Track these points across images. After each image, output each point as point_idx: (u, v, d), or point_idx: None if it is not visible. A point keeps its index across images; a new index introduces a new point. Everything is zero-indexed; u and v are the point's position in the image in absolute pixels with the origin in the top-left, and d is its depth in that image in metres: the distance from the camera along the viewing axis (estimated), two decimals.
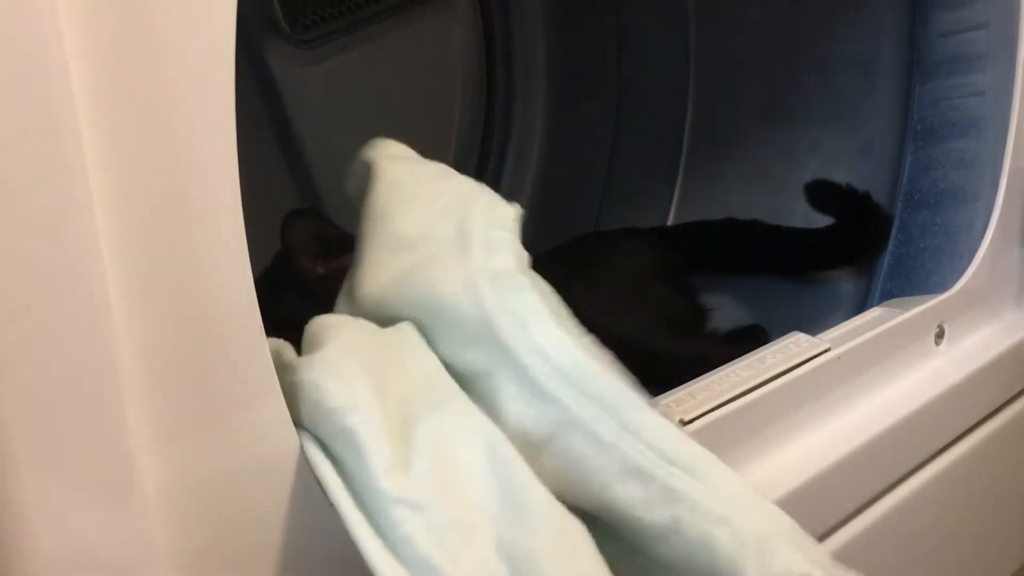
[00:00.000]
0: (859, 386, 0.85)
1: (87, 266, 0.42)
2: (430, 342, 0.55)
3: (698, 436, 0.70)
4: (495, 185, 1.43)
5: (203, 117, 0.46)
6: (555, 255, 1.14)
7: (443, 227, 0.59)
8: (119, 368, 0.43)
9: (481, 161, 1.41)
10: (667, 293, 1.11)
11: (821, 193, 1.14)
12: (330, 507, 0.47)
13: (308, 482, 0.49)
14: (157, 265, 0.45)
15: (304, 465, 0.49)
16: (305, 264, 0.73)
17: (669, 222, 1.36)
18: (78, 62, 0.41)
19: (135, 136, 0.43)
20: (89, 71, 0.42)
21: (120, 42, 0.43)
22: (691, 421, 0.71)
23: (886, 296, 1.09)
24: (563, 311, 0.58)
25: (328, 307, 0.65)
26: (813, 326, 0.87)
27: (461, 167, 1.38)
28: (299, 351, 0.55)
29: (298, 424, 0.49)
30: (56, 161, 0.41)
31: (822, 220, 1.17)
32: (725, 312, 1.15)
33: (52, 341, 0.41)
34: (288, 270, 0.75)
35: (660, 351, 0.96)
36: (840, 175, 1.19)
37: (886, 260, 1.12)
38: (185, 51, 0.45)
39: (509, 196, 1.39)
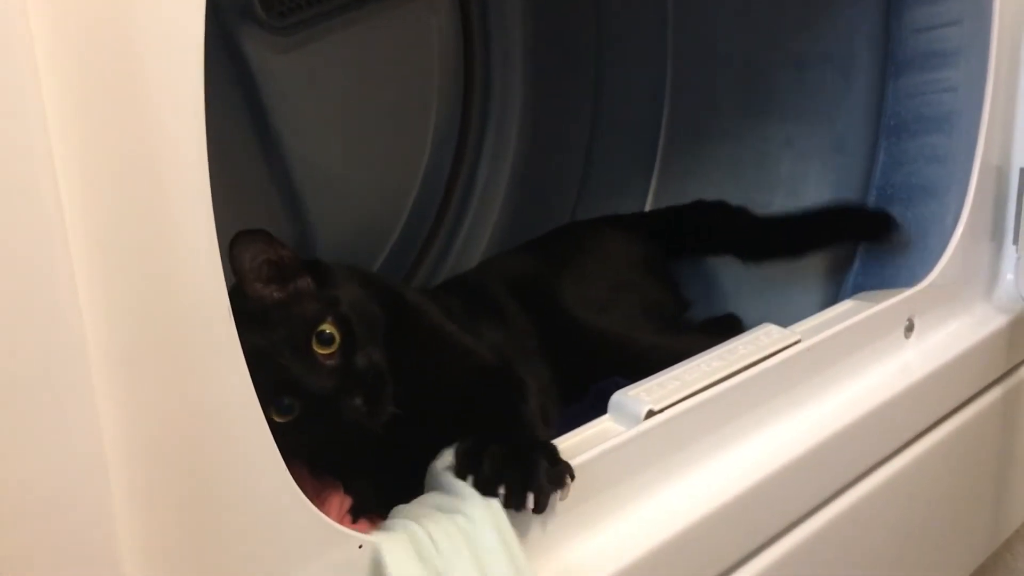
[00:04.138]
0: (829, 378, 0.86)
1: (52, 248, 0.42)
2: None
3: (667, 426, 0.71)
4: (472, 175, 1.43)
5: (172, 94, 0.45)
6: (537, 246, 1.15)
7: None
8: (85, 351, 0.43)
9: (459, 150, 1.41)
10: (649, 285, 1.11)
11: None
12: None
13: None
14: (124, 249, 0.45)
15: None
16: (261, 291, 0.67)
17: None
18: (43, 35, 0.41)
19: (101, 109, 0.43)
20: (55, 52, 0.41)
21: (87, 19, 0.42)
22: (661, 411, 0.71)
23: (857, 289, 1.10)
24: None
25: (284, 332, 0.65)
26: (785, 317, 0.88)
27: (439, 156, 1.40)
28: None
29: None
30: (20, 147, 0.40)
31: None
32: (700, 301, 1.15)
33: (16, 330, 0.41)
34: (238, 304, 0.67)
35: (645, 346, 0.97)
36: (814, 170, 1.19)
37: (858, 253, 1.13)
38: (154, 27, 0.44)
39: (487, 187, 1.43)
